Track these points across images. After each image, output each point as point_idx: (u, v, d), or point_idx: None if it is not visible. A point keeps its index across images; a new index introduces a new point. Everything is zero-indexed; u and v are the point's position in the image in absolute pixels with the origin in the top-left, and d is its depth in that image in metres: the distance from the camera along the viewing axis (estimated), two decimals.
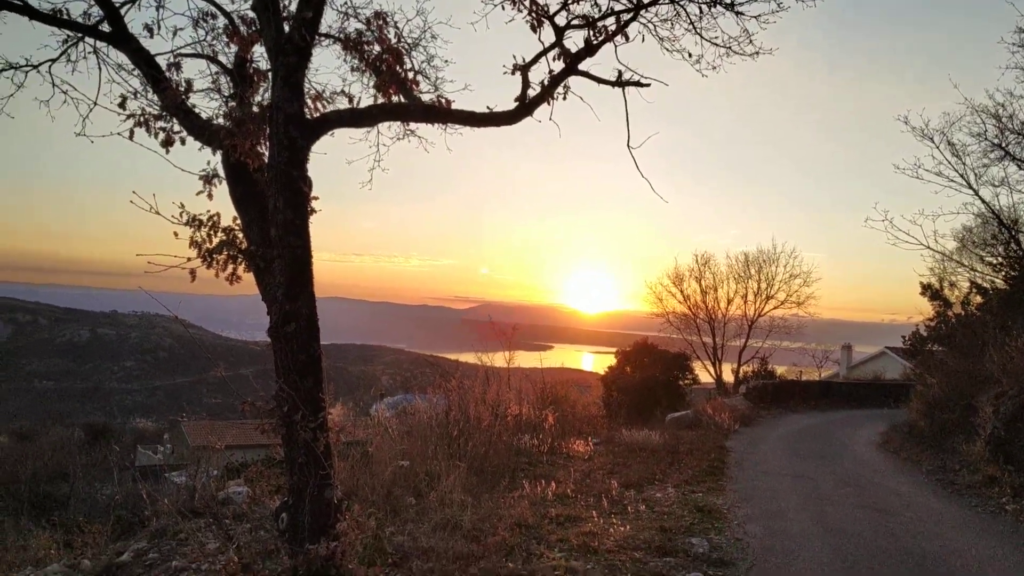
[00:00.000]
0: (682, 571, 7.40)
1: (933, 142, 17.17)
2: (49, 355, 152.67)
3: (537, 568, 7.05)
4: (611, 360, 31.37)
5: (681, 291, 38.74)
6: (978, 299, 20.34)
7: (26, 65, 7.44)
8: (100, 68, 7.29)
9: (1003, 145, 16.06)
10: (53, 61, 7.43)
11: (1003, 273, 18.12)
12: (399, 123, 8.54)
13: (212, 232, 5.86)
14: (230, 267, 5.93)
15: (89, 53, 7.36)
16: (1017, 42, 15.53)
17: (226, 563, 5.43)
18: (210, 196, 6.11)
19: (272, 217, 5.53)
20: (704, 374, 35.91)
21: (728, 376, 37.03)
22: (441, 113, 6.95)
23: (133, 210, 5.54)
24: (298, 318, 5.44)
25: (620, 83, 7.54)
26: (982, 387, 14.91)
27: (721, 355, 37.40)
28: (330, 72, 9.58)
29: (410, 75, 7.13)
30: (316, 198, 5.87)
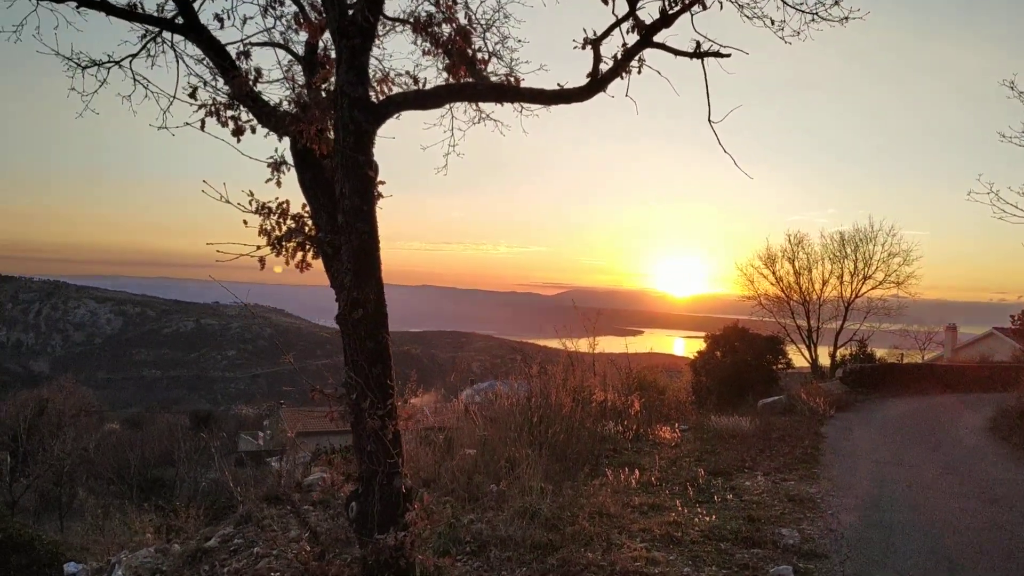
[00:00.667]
0: (770, 563, 7.07)
1: None
2: (157, 345, 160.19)
3: (617, 559, 6.84)
4: (701, 345, 30.67)
5: (773, 272, 37.63)
6: None
7: (108, 61, 7.60)
8: (178, 62, 7.40)
9: None
10: (133, 56, 7.56)
11: None
12: (473, 107, 8.44)
13: (281, 219, 5.85)
14: (299, 254, 5.92)
15: (168, 47, 7.48)
16: None
17: (298, 552, 5.42)
18: (278, 183, 6.10)
19: (339, 203, 5.47)
20: (798, 358, 34.84)
21: (824, 360, 35.81)
22: (509, 91, 6.76)
23: (206, 202, 5.58)
24: (366, 305, 5.37)
25: (699, 54, 7.19)
26: None
27: (816, 338, 36.18)
28: (403, 58, 9.52)
29: (479, 55, 6.96)
30: (383, 183, 5.78)
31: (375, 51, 8.14)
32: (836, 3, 7.83)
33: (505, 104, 7.72)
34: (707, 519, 8.32)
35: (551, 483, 9.35)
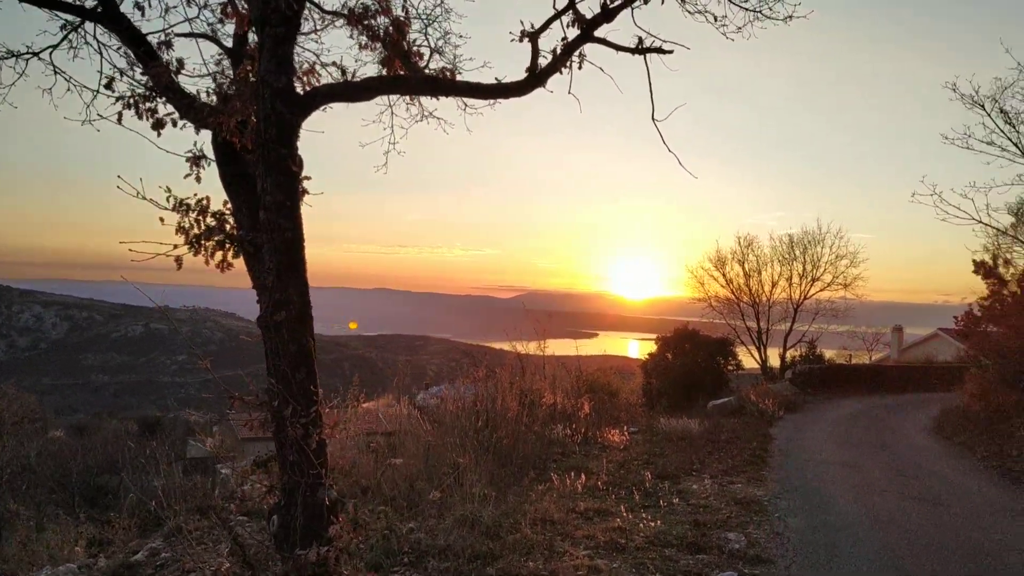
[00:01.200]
0: (716, 570, 6.92)
1: (984, 109, 16.20)
2: (104, 350, 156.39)
3: (559, 568, 6.64)
4: (654, 347, 30.70)
5: (723, 274, 37.83)
6: None
7: (27, 52, 7.21)
8: (101, 54, 7.04)
9: None
10: (54, 48, 7.19)
11: None
12: (414, 104, 8.21)
13: (201, 217, 5.54)
14: (219, 254, 5.62)
15: (91, 38, 7.12)
16: None
17: (216, 568, 5.11)
18: (198, 179, 5.79)
19: (261, 199, 5.18)
20: (748, 359, 35.04)
21: (774, 361, 36.12)
22: (444, 85, 6.52)
23: (122, 198, 5.26)
24: (289, 306, 5.09)
25: (641, 50, 7.04)
26: None
27: (766, 339, 36.46)
28: (341, 52, 9.24)
29: (416, 48, 6.72)
30: (308, 178, 5.52)
31: (312, 45, 7.88)
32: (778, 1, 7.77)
33: (446, 101, 7.52)
34: (652, 524, 8.16)
35: (495, 489, 9.13)
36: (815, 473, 11.91)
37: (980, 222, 17.12)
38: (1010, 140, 16.12)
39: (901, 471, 12.18)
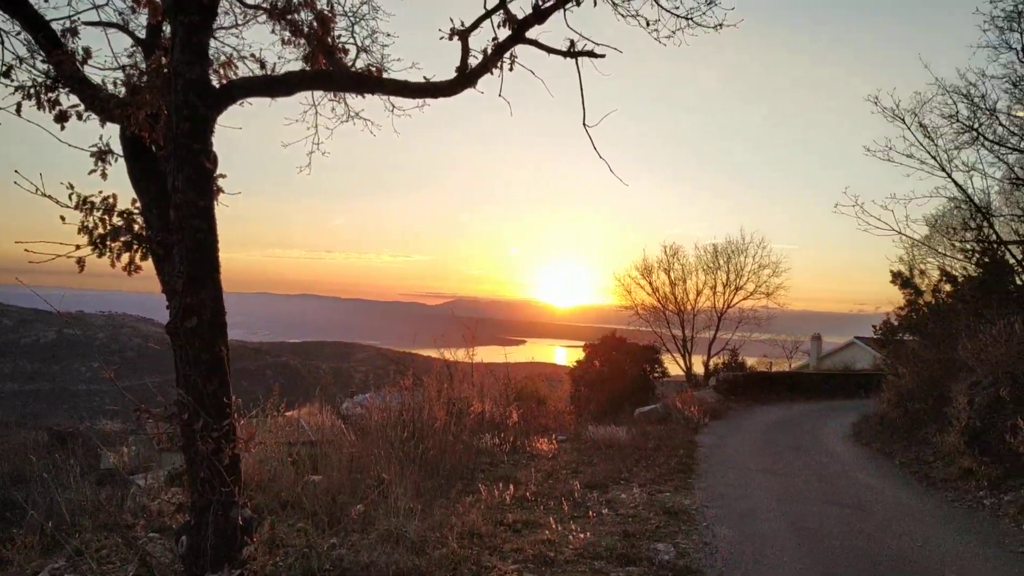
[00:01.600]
0: None
1: (904, 123, 16.72)
2: (14, 357, 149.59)
3: None
4: (581, 354, 30.77)
5: (650, 283, 38.31)
6: (948, 287, 20.02)
7: None
8: (2, 43, 6.56)
9: (974, 127, 15.63)
10: None
11: (975, 259, 17.73)
12: (340, 104, 7.93)
13: (107, 216, 5.16)
14: (126, 256, 5.24)
15: None
16: (987, 18, 15.07)
17: None
18: (104, 175, 5.40)
19: (172, 197, 4.84)
20: (674, 367, 35.50)
21: (698, 368, 36.66)
22: (371, 81, 6.27)
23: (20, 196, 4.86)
24: (201, 312, 4.76)
25: (572, 53, 6.93)
26: (955, 376, 14.51)
27: (691, 347, 37.02)
28: (264, 48, 8.89)
29: (341, 43, 6.45)
30: (223, 176, 5.20)
31: (232, 41, 7.53)
32: (710, 7, 7.76)
33: (373, 101, 7.27)
34: (582, 536, 8.01)
35: (422, 501, 8.87)
36: (741, 481, 11.97)
37: (900, 233, 17.64)
38: (928, 153, 16.65)
39: (823, 478, 12.35)
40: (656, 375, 29.26)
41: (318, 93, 7.64)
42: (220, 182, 5.20)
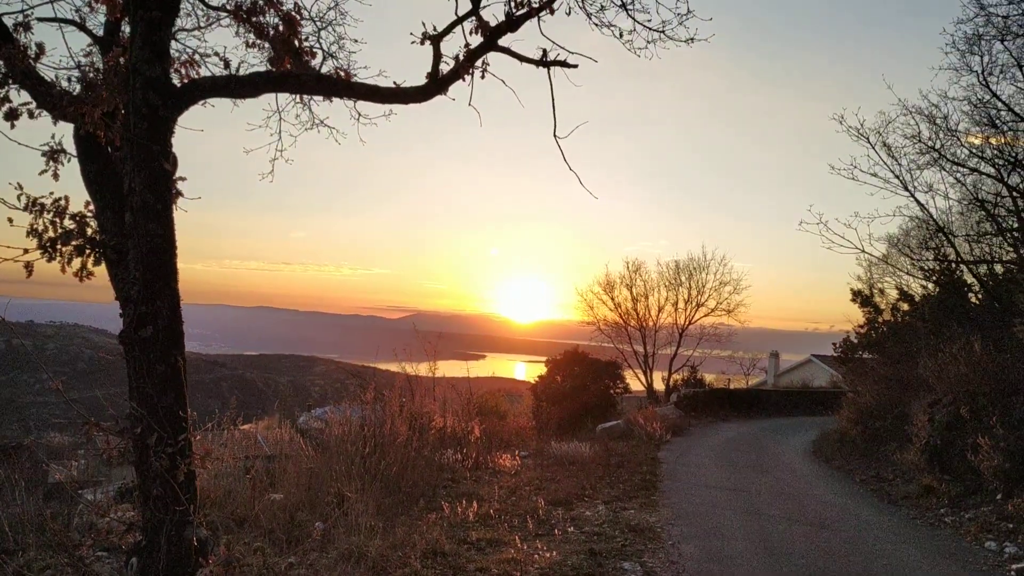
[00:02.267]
0: None
1: (869, 142, 16.90)
2: None
3: None
4: (542, 369, 30.64)
5: (612, 299, 38.36)
6: (905, 306, 20.29)
7: None
8: None
9: (936, 147, 15.86)
10: None
11: (935, 278, 17.97)
12: (305, 110, 7.75)
13: (58, 219, 4.90)
14: (77, 260, 4.97)
15: None
16: (950, 41, 15.32)
17: None
18: (55, 176, 5.14)
19: (127, 200, 4.61)
20: (635, 383, 35.52)
21: (659, 384, 36.73)
22: (339, 85, 6.08)
23: None
24: (156, 321, 4.53)
25: (545, 63, 6.82)
26: (914, 394, 14.65)
27: (652, 363, 37.09)
28: (228, 52, 8.66)
29: (307, 45, 6.26)
30: (182, 179, 4.97)
31: (195, 43, 7.30)
32: (681, 23, 7.73)
33: (339, 109, 7.11)
34: (548, 555, 7.85)
35: (383, 519, 8.64)
36: (705, 498, 11.90)
37: (862, 251, 17.78)
38: (892, 172, 16.84)
39: (786, 495, 12.33)
40: (618, 391, 29.22)
41: (283, 99, 7.46)
42: (180, 185, 4.99)
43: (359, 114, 7.76)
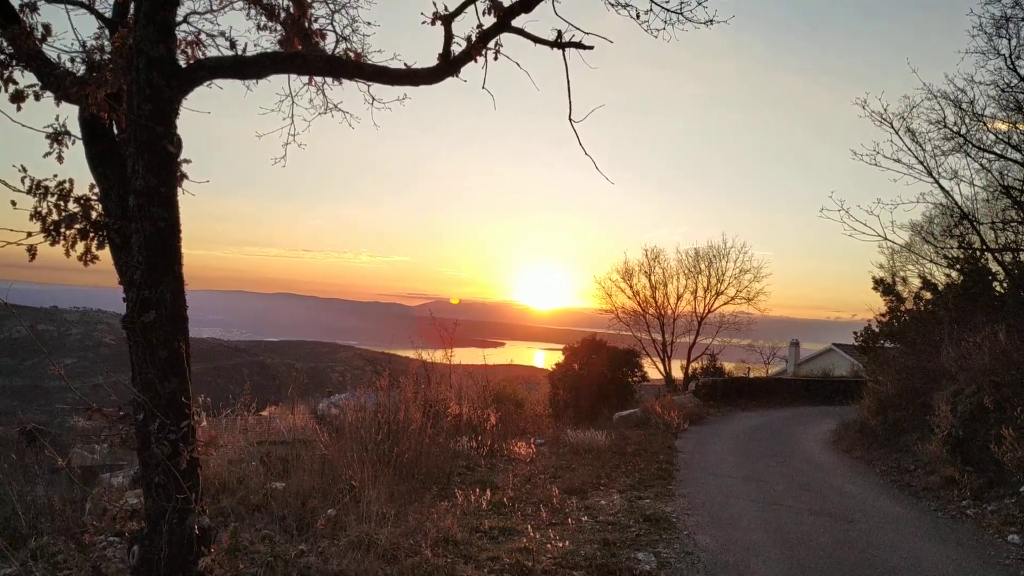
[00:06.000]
0: None
1: (892, 127, 16.59)
2: None
3: None
4: (560, 357, 30.50)
5: (630, 286, 38.13)
6: (928, 295, 19.97)
7: None
8: None
9: (962, 133, 15.53)
10: None
11: (959, 266, 17.64)
12: (319, 95, 7.66)
13: (62, 202, 4.83)
14: (81, 244, 4.91)
15: None
16: (977, 24, 14.97)
17: None
18: (60, 158, 5.07)
19: (131, 183, 4.53)
20: (653, 371, 35.29)
21: (677, 373, 36.51)
22: (348, 66, 5.97)
23: None
24: (160, 306, 4.45)
25: (560, 44, 6.67)
26: (936, 384, 14.40)
27: (671, 352, 36.85)
28: (240, 36, 8.57)
29: (317, 26, 6.16)
30: (188, 161, 4.88)
31: (206, 25, 7.21)
32: (700, 3, 7.55)
33: (352, 93, 7.02)
34: (560, 544, 7.76)
35: (395, 506, 8.59)
36: (722, 488, 11.77)
37: (885, 238, 17.50)
38: (916, 158, 16.54)
39: (805, 486, 12.17)
40: (635, 379, 29.03)
41: (295, 82, 7.37)
42: (185, 168, 4.90)
43: (372, 98, 7.66)
